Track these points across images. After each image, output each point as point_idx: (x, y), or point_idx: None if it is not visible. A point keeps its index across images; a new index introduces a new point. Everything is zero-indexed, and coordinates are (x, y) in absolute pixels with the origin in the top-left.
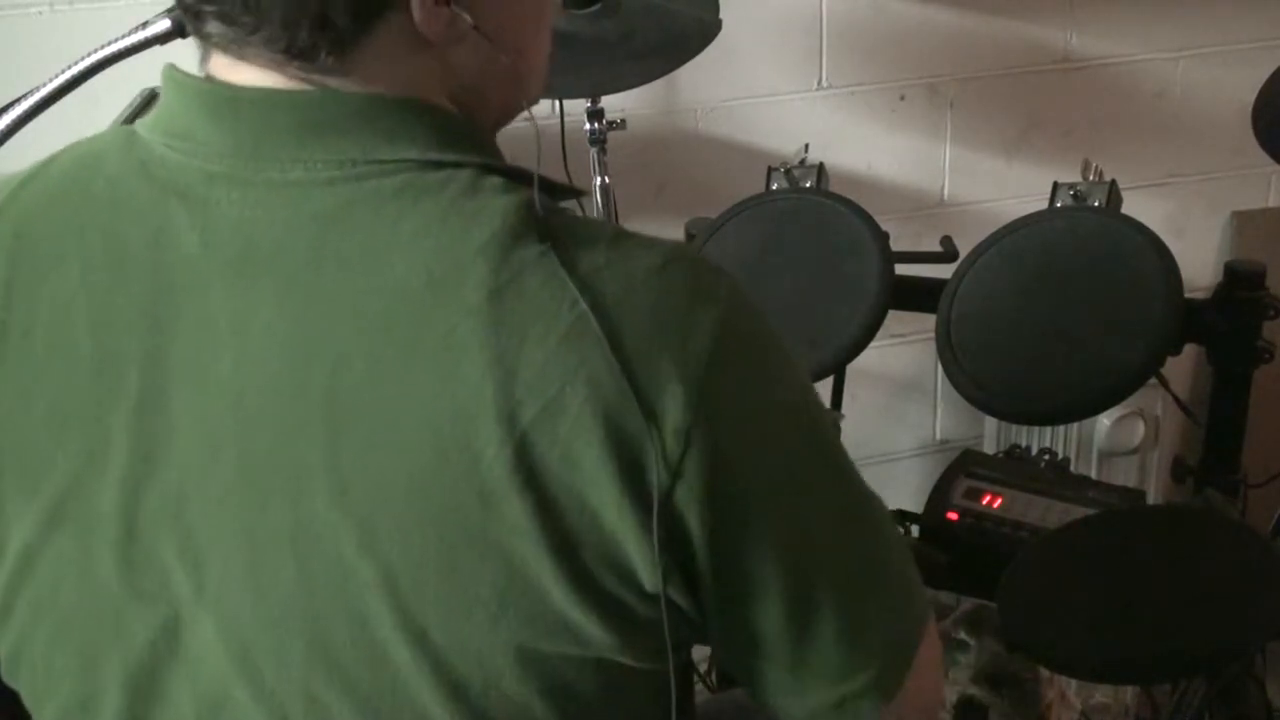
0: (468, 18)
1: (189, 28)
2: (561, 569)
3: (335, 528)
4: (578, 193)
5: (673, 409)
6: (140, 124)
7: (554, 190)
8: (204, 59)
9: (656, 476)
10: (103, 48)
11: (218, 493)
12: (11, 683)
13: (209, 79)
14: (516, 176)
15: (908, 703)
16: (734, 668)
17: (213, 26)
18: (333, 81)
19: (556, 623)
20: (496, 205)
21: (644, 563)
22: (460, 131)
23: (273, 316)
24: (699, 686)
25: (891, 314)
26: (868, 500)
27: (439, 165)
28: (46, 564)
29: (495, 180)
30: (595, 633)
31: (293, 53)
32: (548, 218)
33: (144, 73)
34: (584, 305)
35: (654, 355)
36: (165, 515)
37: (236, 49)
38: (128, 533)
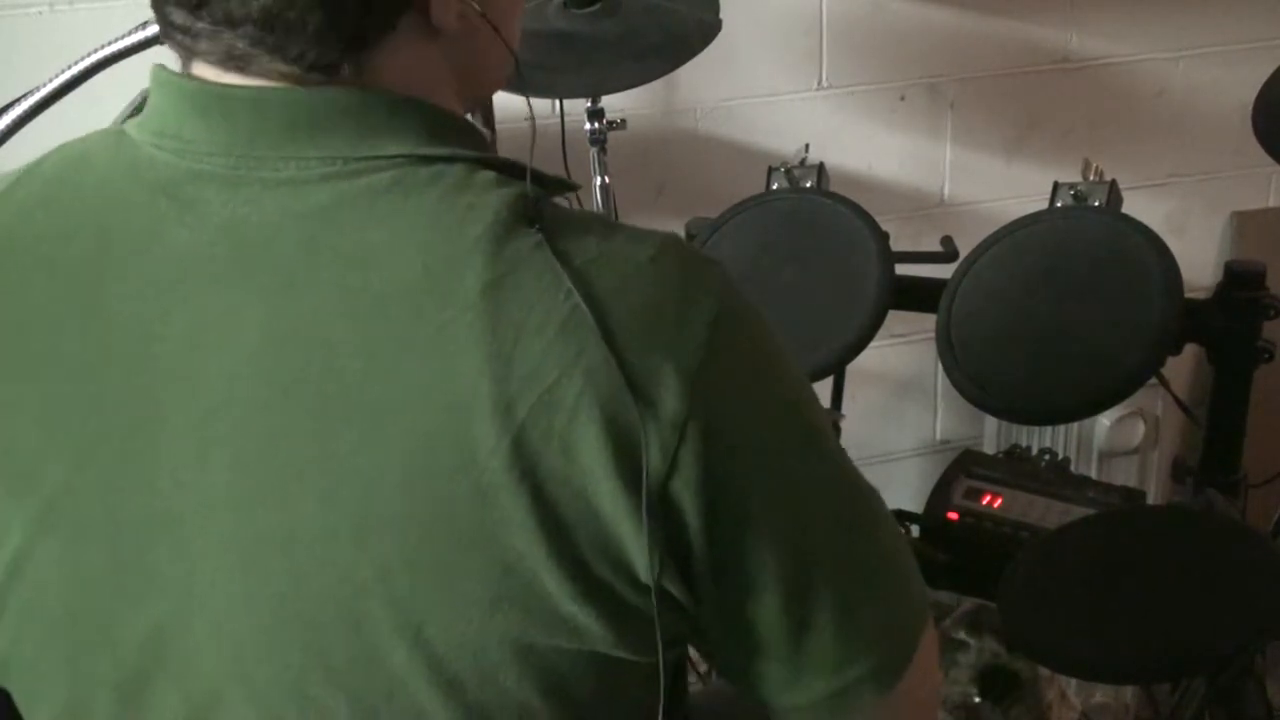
0: (476, 6)
1: (179, 49)
2: (558, 562)
3: (328, 527)
4: (571, 187)
5: (668, 400)
6: (129, 125)
7: (547, 184)
8: (185, 62)
9: (652, 468)
10: (103, 48)
11: (209, 494)
12: (4, 685)
13: (195, 78)
14: (509, 170)
15: (907, 696)
16: (730, 666)
17: (205, 45)
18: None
19: (553, 616)
20: (490, 200)
21: (640, 554)
22: (451, 126)
23: (264, 315)
24: (691, 677)
25: (891, 314)
26: (864, 492)
27: (430, 160)
28: (36, 568)
29: (487, 175)
30: (591, 625)
31: (319, 67)
32: (540, 211)
33: (144, 73)
34: (578, 297)
35: (649, 346)
36: (156, 518)
37: (237, 64)
38: (118, 536)
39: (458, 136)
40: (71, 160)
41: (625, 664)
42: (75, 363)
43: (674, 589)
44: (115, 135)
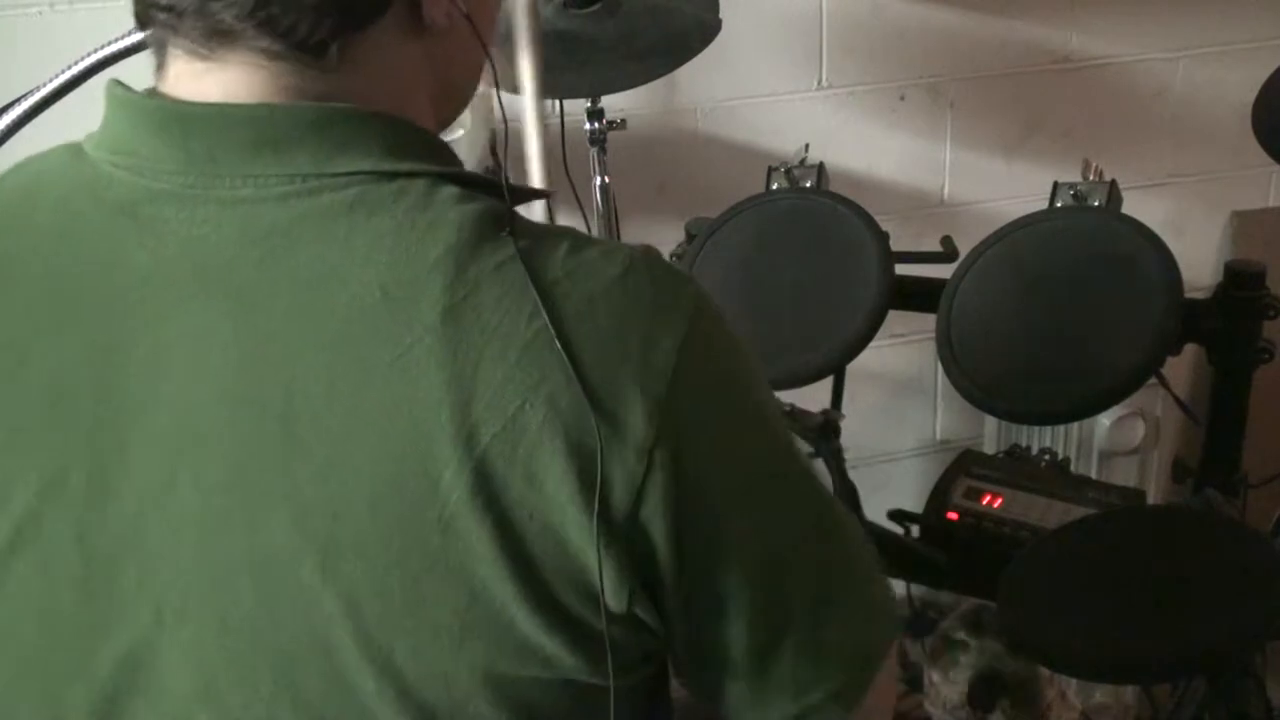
0: (462, 5)
1: (158, 34)
2: (524, 592)
3: (295, 554)
4: (542, 194)
5: (635, 426)
6: (86, 141)
7: (513, 194)
8: (159, 68)
9: (618, 496)
10: (103, 48)
11: (176, 520)
12: None
13: (156, 94)
14: (472, 184)
15: (869, 712)
16: (696, 679)
17: (190, 22)
18: (318, 81)
19: (522, 645)
20: (452, 217)
21: (607, 582)
22: (416, 140)
23: (226, 338)
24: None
25: (891, 314)
26: (834, 512)
27: (392, 176)
28: (6, 595)
29: (451, 190)
30: (561, 655)
31: (307, 45)
32: (511, 228)
33: (144, 73)
34: (544, 319)
35: (615, 370)
36: (124, 544)
37: (222, 47)
38: (87, 563)
39: (420, 150)
40: (28, 182)
41: (598, 689)
42: (40, 385)
43: (644, 614)
44: (73, 153)
